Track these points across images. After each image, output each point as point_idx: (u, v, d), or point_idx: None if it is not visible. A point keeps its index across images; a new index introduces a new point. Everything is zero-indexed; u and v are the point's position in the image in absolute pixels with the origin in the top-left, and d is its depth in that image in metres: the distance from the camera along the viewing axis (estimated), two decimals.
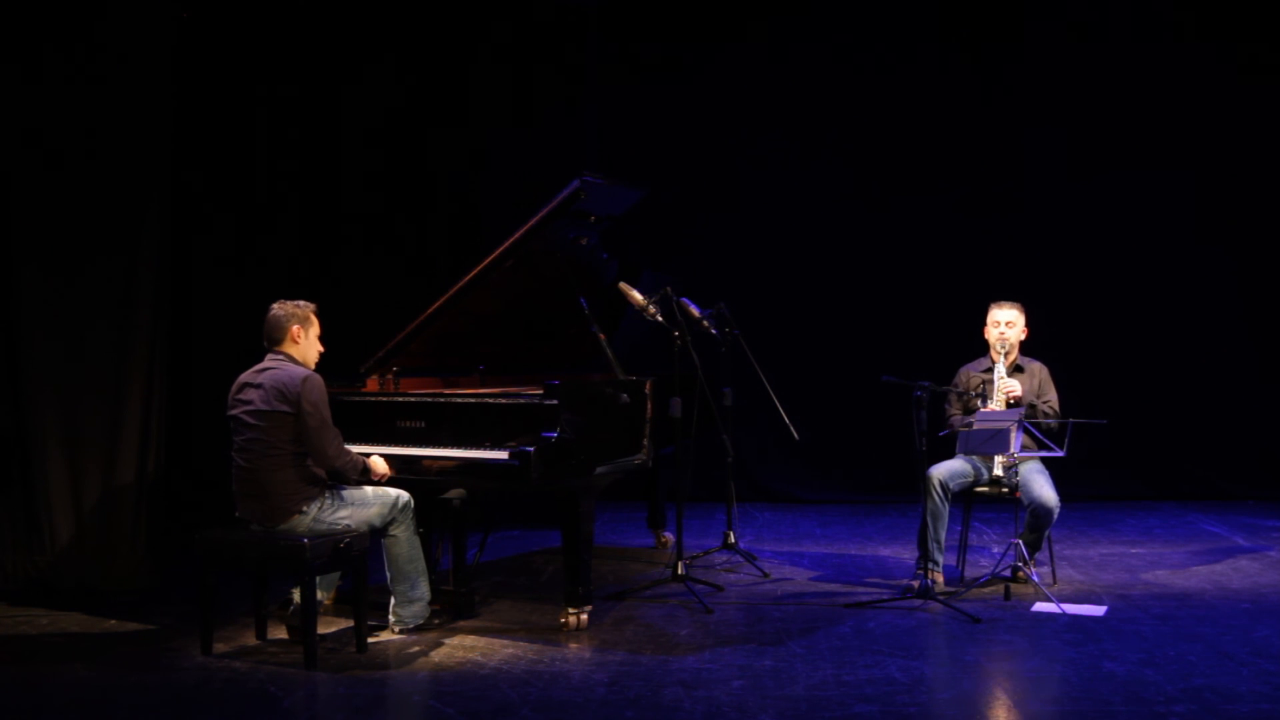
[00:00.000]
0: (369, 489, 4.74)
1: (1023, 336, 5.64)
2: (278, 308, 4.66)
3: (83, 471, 5.69)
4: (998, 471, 5.45)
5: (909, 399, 5.15)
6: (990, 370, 5.64)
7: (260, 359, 4.65)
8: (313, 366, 4.69)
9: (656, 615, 5.14)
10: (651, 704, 3.97)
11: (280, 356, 4.61)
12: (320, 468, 4.56)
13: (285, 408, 4.47)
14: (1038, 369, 5.67)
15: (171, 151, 5.99)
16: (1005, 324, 5.61)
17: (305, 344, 4.67)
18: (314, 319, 4.71)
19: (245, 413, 4.53)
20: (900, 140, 8.14)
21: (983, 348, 5.74)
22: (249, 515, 4.58)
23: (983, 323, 5.72)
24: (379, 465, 4.77)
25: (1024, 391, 5.53)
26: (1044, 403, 5.58)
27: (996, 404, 5.47)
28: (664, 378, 5.42)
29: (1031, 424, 5.28)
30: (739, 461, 6.46)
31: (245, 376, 4.62)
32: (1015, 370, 5.64)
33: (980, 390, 5.63)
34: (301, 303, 4.70)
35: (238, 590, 5.14)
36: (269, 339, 4.65)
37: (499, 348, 5.82)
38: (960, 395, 5.70)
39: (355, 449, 5.05)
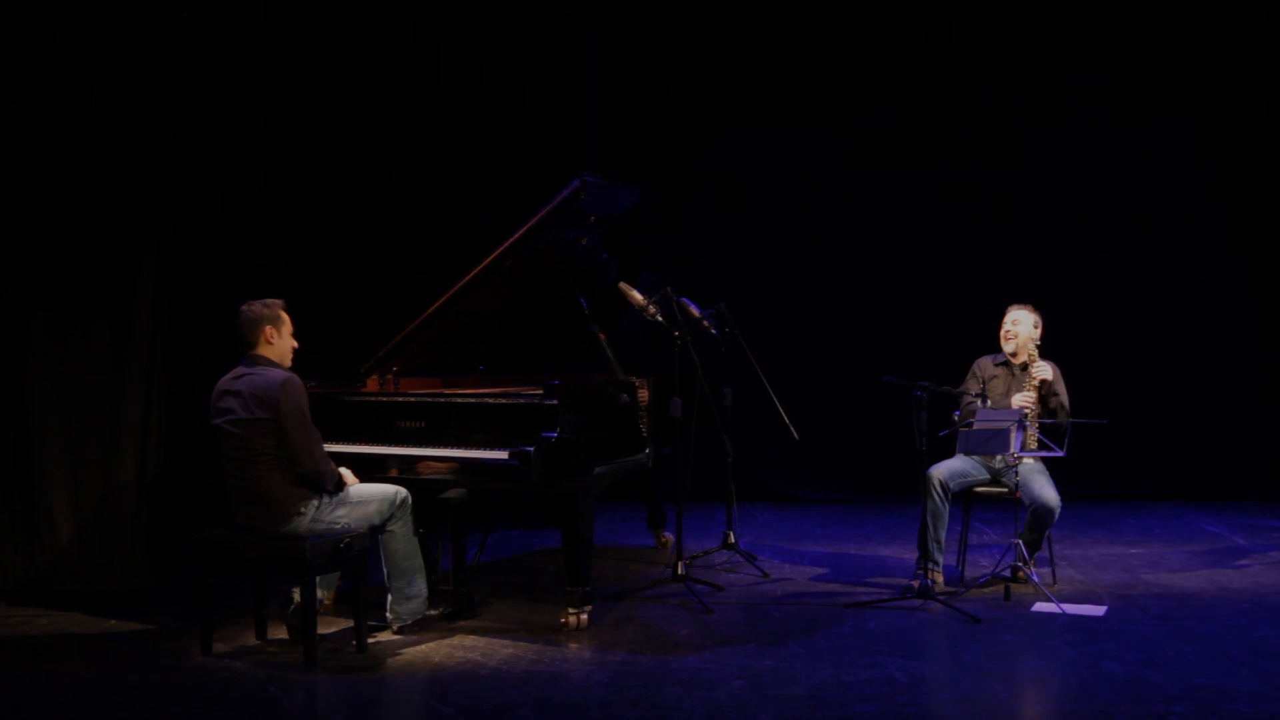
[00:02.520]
0: (367, 487, 4.73)
1: (1035, 335, 5.63)
2: (247, 309, 4.62)
3: (83, 471, 5.69)
4: (1013, 449, 5.36)
5: (909, 399, 5.15)
6: (1005, 365, 5.66)
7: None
8: (289, 364, 4.67)
9: (656, 615, 5.14)
10: (651, 704, 3.97)
11: (257, 360, 4.59)
12: (302, 470, 4.51)
13: (266, 414, 4.45)
14: (1050, 368, 5.67)
15: (172, 145, 6.00)
16: (1011, 322, 5.65)
17: (280, 343, 4.64)
18: (285, 316, 4.67)
19: (228, 422, 4.51)
20: (902, 140, 8.14)
21: (998, 344, 5.76)
22: (248, 521, 4.56)
23: (991, 322, 5.75)
24: (350, 477, 4.75)
25: (1039, 383, 5.52)
26: (1055, 398, 5.57)
27: (1028, 391, 5.46)
28: (664, 378, 5.42)
29: (1038, 422, 5.29)
30: (739, 461, 6.46)
31: (223, 384, 4.58)
32: (1022, 369, 5.64)
33: (982, 390, 5.65)
34: (270, 301, 4.65)
35: (238, 590, 5.14)
36: (243, 342, 4.62)
37: (499, 348, 5.82)
38: (960, 393, 5.71)
39: (356, 449, 5.06)
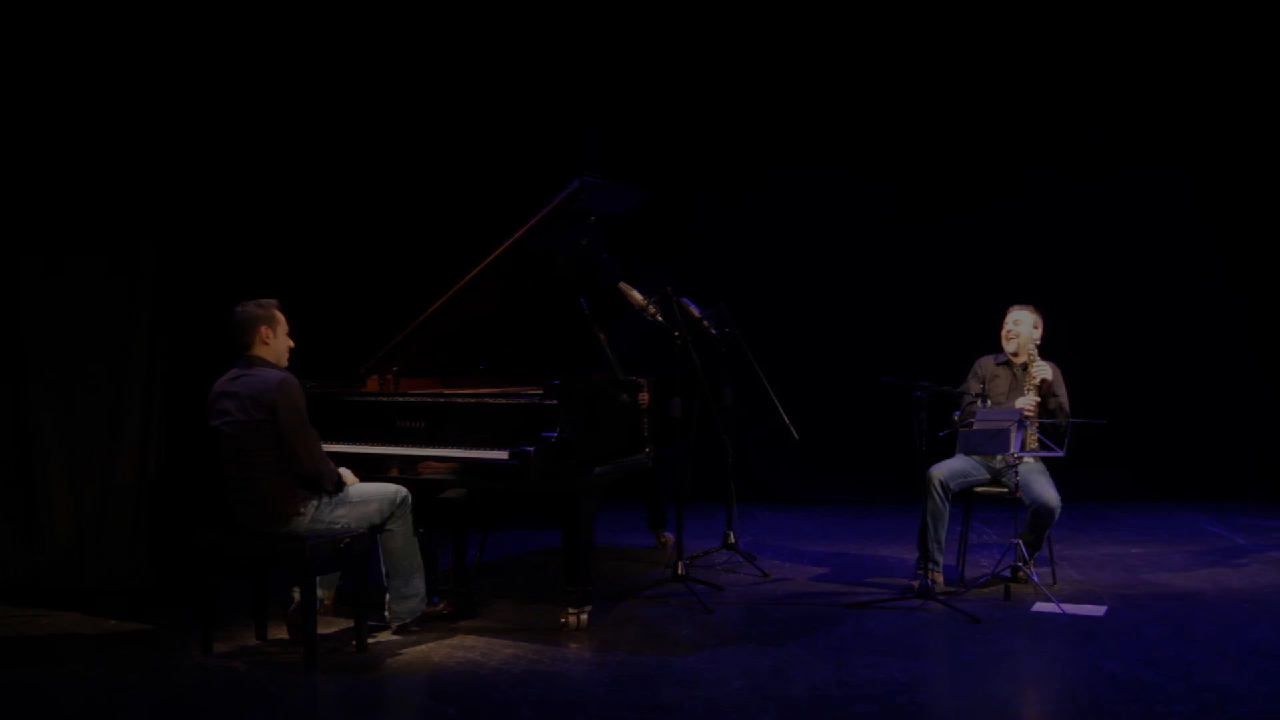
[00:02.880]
0: (367, 486, 4.73)
1: (1035, 335, 5.63)
2: (242, 310, 4.62)
3: (83, 471, 5.69)
4: (1013, 449, 5.33)
5: (909, 399, 5.15)
6: (1007, 365, 5.67)
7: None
8: (285, 364, 4.67)
9: (656, 615, 5.14)
10: (651, 704, 3.97)
11: (253, 361, 4.58)
12: (301, 470, 4.51)
13: (263, 415, 4.44)
14: (1049, 368, 5.67)
15: (170, 144, 6.01)
16: (1013, 323, 5.66)
17: (276, 343, 4.64)
18: (280, 316, 4.67)
19: (225, 424, 4.51)
20: (901, 141, 8.15)
21: (998, 344, 5.77)
22: (248, 522, 4.56)
23: (992, 322, 5.76)
24: (350, 477, 4.75)
25: (1039, 383, 5.53)
26: (1055, 399, 5.58)
27: (1030, 394, 5.47)
28: (664, 378, 5.42)
29: (1038, 423, 5.29)
30: (739, 461, 6.46)
31: (221, 385, 4.57)
32: (1024, 369, 5.64)
33: (983, 390, 5.65)
34: (264, 301, 4.65)
35: (238, 590, 5.14)
36: (238, 343, 4.62)
37: (499, 347, 5.82)
38: (960, 393, 5.71)
39: (356, 449, 5.06)
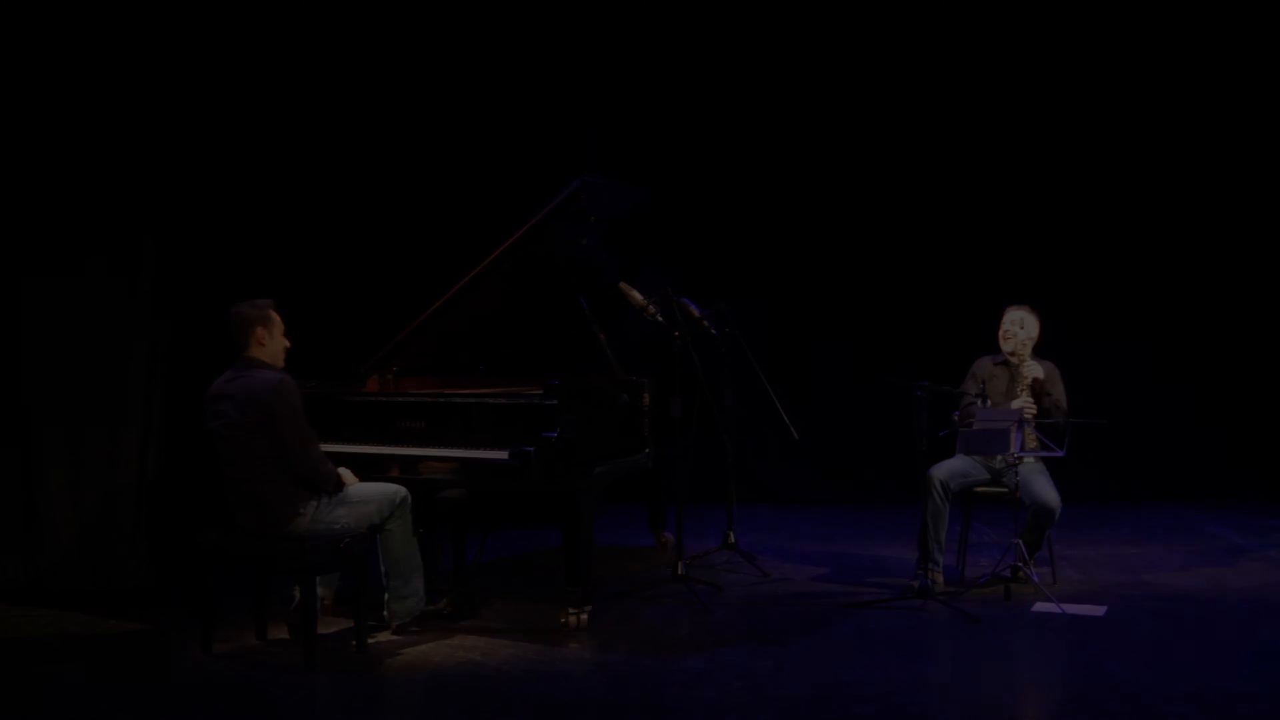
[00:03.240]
0: (366, 486, 4.73)
1: (1032, 335, 5.63)
2: (237, 311, 4.62)
3: (83, 472, 5.69)
4: (1013, 449, 5.30)
5: (909, 399, 5.15)
6: (1005, 365, 5.66)
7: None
8: (281, 364, 4.66)
9: (656, 615, 5.14)
10: (651, 704, 3.97)
11: (251, 362, 4.58)
12: (299, 471, 4.51)
13: (260, 417, 4.44)
14: (1041, 368, 5.67)
15: (167, 141, 6.01)
16: (1010, 323, 5.65)
17: (272, 344, 4.64)
18: (275, 316, 4.66)
19: (223, 426, 4.51)
20: (901, 140, 8.15)
21: (998, 344, 5.77)
22: (248, 524, 4.56)
23: (991, 322, 5.75)
24: (349, 477, 4.75)
25: (1031, 382, 5.52)
26: (1049, 398, 5.57)
27: (1022, 391, 5.47)
28: (664, 378, 5.42)
29: (1035, 422, 5.28)
30: (739, 461, 6.46)
31: (217, 386, 4.57)
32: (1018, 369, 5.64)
33: (981, 389, 5.65)
34: (259, 301, 4.65)
35: (238, 590, 5.13)
36: (235, 344, 4.62)
37: (499, 347, 5.82)
38: (960, 393, 5.71)
39: (356, 449, 5.06)
